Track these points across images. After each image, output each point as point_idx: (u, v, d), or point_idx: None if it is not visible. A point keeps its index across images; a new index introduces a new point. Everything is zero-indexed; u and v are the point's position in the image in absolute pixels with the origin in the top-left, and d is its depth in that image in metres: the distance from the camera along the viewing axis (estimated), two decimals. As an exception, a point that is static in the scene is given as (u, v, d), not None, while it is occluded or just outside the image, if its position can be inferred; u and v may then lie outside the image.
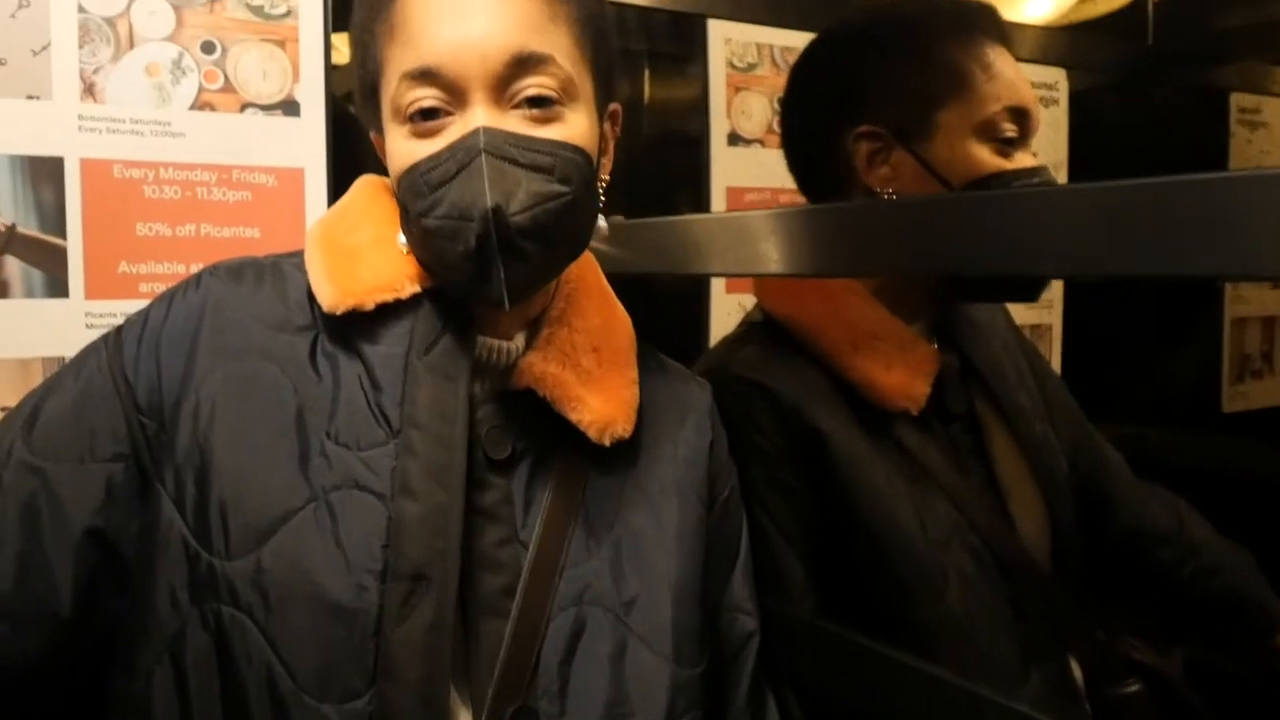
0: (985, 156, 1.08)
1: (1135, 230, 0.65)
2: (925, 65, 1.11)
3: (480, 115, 0.80)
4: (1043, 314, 2.20)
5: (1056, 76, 2.19)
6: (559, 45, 0.82)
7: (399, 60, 0.82)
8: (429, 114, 0.81)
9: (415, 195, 0.82)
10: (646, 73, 2.00)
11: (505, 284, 0.80)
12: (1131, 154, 2.28)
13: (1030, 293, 1.22)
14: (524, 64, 0.80)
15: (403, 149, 0.83)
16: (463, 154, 0.79)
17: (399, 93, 0.82)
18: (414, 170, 0.81)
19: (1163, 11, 2.42)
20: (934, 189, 1.10)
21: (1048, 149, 2.16)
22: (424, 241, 0.84)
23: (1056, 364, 2.22)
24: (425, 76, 0.80)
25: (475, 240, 0.78)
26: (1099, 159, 2.17)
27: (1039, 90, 2.15)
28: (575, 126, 0.83)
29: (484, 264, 0.79)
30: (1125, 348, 2.41)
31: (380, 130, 0.88)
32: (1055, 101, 2.17)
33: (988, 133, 1.08)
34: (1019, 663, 1.07)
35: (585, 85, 0.85)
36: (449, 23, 0.80)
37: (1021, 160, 1.10)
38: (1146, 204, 0.65)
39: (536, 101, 0.81)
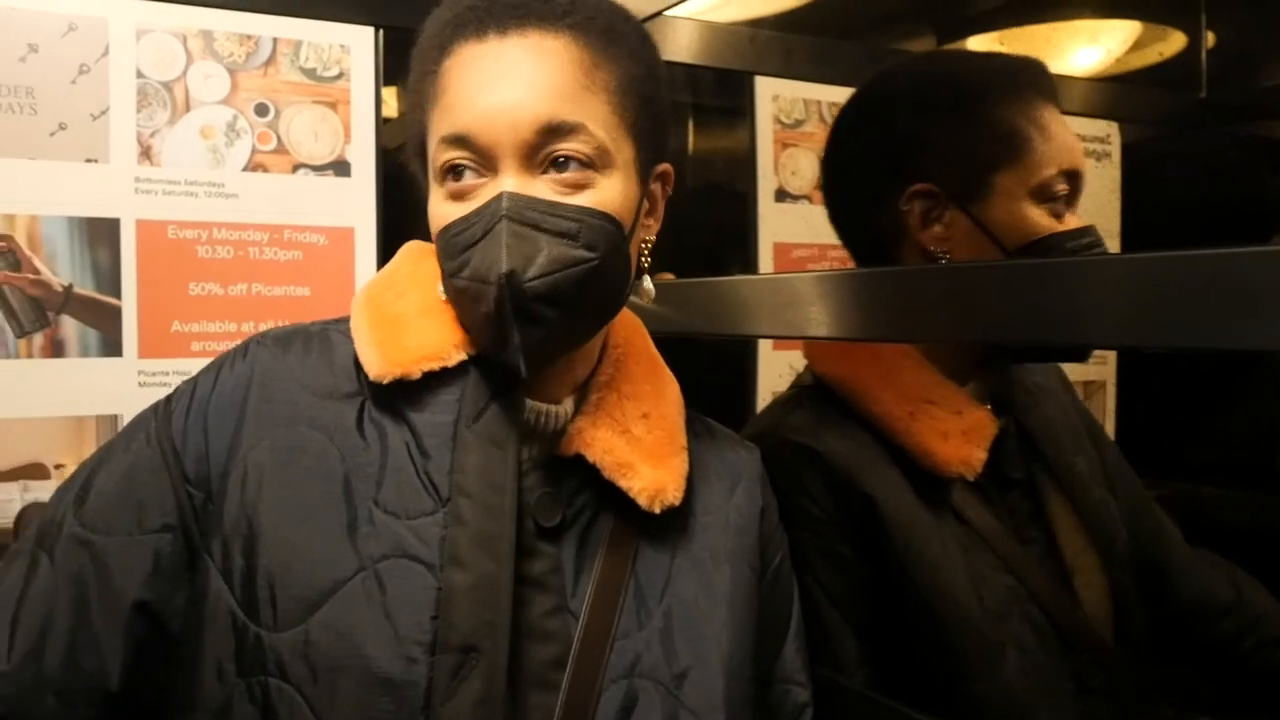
0: (1040, 219, 1.07)
1: (1187, 302, 0.64)
2: (983, 126, 1.09)
3: (508, 181, 0.80)
4: (1097, 370, 2.16)
5: (1109, 129, 2.17)
6: (593, 113, 0.82)
7: (439, 123, 0.83)
8: (460, 175, 0.82)
9: (447, 256, 0.83)
10: (692, 125, 2.01)
11: (520, 350, 0.80)
12: (1185, 207, 2.25)
13: (1080, 354, 1.20)
14: (554, 133, 0.80)
15: (439, 210, 0.84)
16: (487, 218, 0.80)
17: (437, 154, 0.83)
18: (446, 231, 0.83)
19: (1216, 62, 2.40)
20: (988, 249, 1.08)
21: (1100, 202, 2.13)
22: (455, 302, 0.85)
23: (1111, 420, 2.18)
24: (459, 142, 0.81)
25: (493, 304, 0.79)
26: (1152, 212, 2.15)
27: (1090, 144, 2.13)
28: (607, 192, 0.83)
29: (501, 328, 0.79)
30: (1181, 403, 2.36)
31: (425, 188, 0.90)
32: (1107, 155, 2.15)
33: (1043, 195, 1.07)
34: (1081, 739, 1.04)
35: (623, 150, 0.85)
36: (484, 91, 0.81)
37: (1071, 221, 1.09)
38: (1200, 275, 0.63)
39: (565, 168, 0.81)
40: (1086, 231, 1.08)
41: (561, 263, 0.79)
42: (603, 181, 0.83)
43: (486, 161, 0.81)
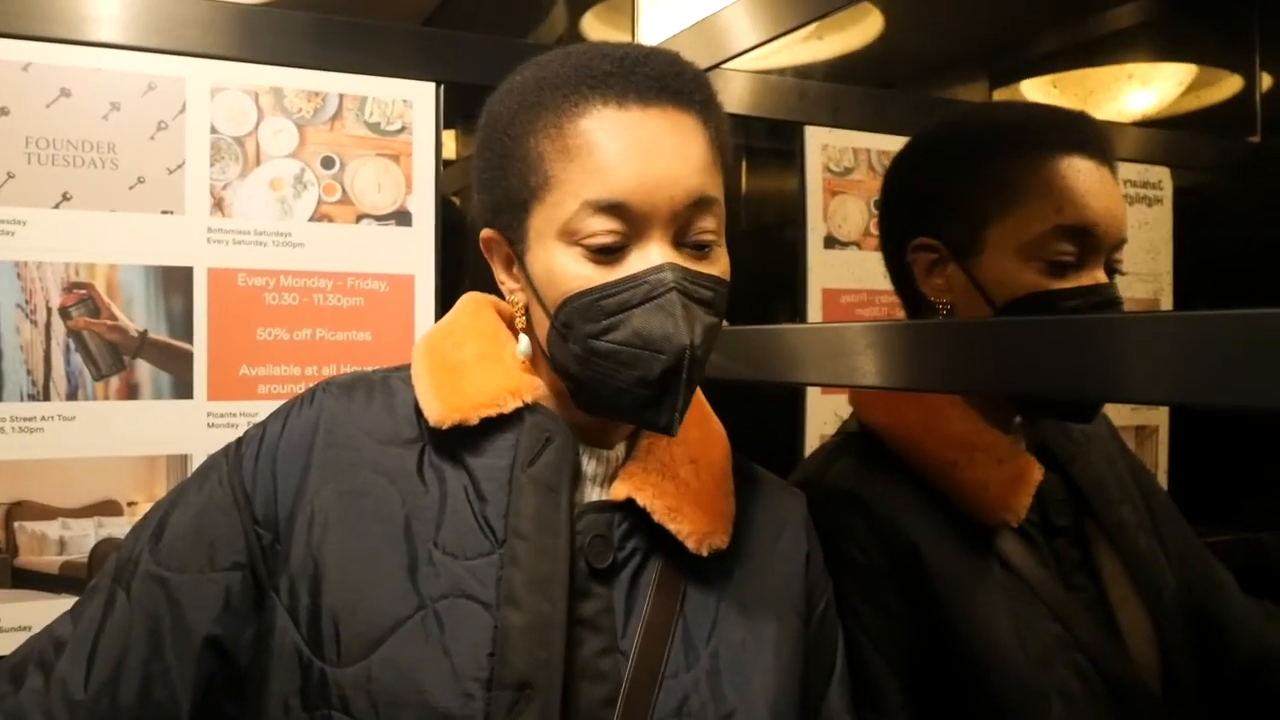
0: (1029, 277, 1.05)
1: (1206, 361, 0.64)
2: (978, 179, 1.10)
3: (658, 251, 0.83)
4: (1149, 415, 2.14)
5: (1160, 175, 2.17)
6: (719, 187, 0.87)
7: (581, 186, 0.83)
8: (608, 243, 0.83)
9: (586, 318, 0.83)
10: (744, 170, 2.04)
11: (678, 411, 0.83)
12: (1239, 254, 2.23)
13: (1085, 415, 1.16)
14: (700, 206, 0.84)
15: (571, 271, 0.84)
16: (647, 287, 0.82)
17: (578, 218, 0.83)
18: (589, 294, 0.83)
19: (1270, 105, 2.39)
20: (980, 305, 1.09)
21: (1152, 249, 2.13)
22: (587, 361, 0.84)
23: (1164, 467, 2.15)
24: (613, 209, 0.82)
25: (661, 371, 0.81)
26: (1206, 259, 2.13)
27: (1142, 189, 2.13)
28: (723, 261, 0.88)
29: (662, 393, 0.82)
30: (1237, 449, 2.33)
31: (513, 236, 0.89)
32: (1159, 200, 2.15)
33: (1036, 252, 1.05)
34: (1127, 789, 1.03)
35: (724, 219, 0.89)
36: (640, 160, 0.83)
37: (1081, 279, 1.05)
38: (1231, 335, 0.64)
39: (702, 240, 0.85)
40: (1095, 290, 1.05)
41: (709, 330, 0.84)
42: (721, 250, 0.88)
43: (634, 229, 0.83)
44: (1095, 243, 1.05)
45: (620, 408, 0.86)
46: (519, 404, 0.89)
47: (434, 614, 0.81)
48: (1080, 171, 1.06)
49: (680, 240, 0.85)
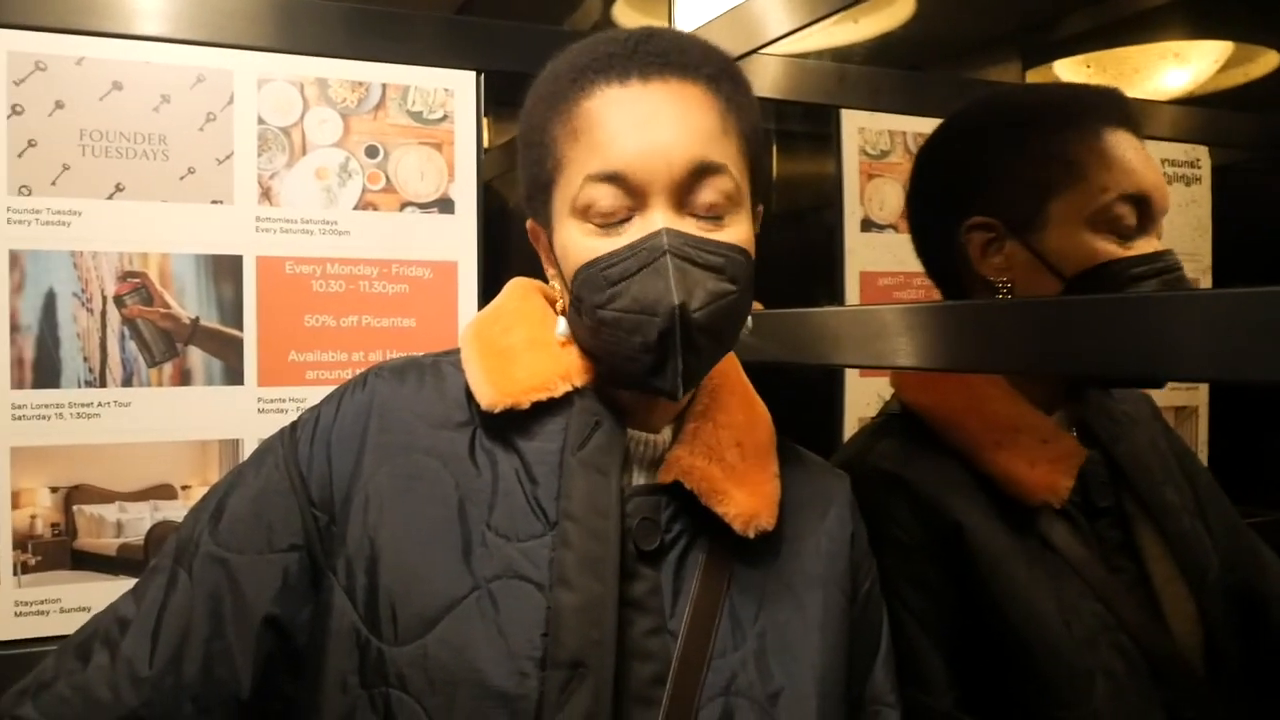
0: (1099, 245, 1.07)
1: (1271, 337, 0.65)
2: (1035, 155, 1.11)
3: (660, 218, 0.85)
4: (1189, 396, 2.14)
5: (1198, 153, 2.15)
6: (730, 156, 0.88)
7: (583, 162, 0.87)
8: (610, 214, 0.86)
9: (592, 288, 0.86)
10: (777, 153, 2.05)
11: (681, 375, 0.84)
12: (1278, 232, 2.21)
13: (1157, 381, 1.18)
14: (702, 173, 0.85)
15: (581, 245, 0.87)
16: (645, 253, 0.84)
17: (581, 192, 0.86)
18: (593, 265, 0.86)
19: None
20: (1046, 280, 1.10)
21: (1191, 228, 2.12)
22: (596, 330, 0.87)
23: (1204, 447, 2.15)
24: (611, 179, 0.85)
25: (657, 334, 0.82)
26: (1244, 237, 2.12)
27: (1180, 168, 2.12)
28: (741, 229, 0.88)
29: (662, 357, 0.83)
30: (1276, 429, 2.32)
31: (543, 221, 0.94)
32: (1197, 179, 2.13)
33: (1102, 221, 1.07)
34: (1171, 769, 1.04)
35: (746, 190, 0.90)
36: (637, 131, 0.85)
37: (1142, 246, 1.08)
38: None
39: (711, 208, 0.86)
40: (1159, 256, 1.07)
41: (715, 295, 0.84)
42: (736, 218, 0.88)
43: (636, 198, 0.85)
44: (1152, 210, 1.08)
45: (630, 376, 0.88)
46: (569, 388, 0.90)
47: (488, 594, 0.83)
48: (1130, 143, 1.09)
49: (686, 208, 0.86)
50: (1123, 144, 1.09)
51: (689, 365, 0.84)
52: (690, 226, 0.86)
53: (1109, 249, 1.07)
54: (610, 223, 0.86)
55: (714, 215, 0.86)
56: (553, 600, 0.82)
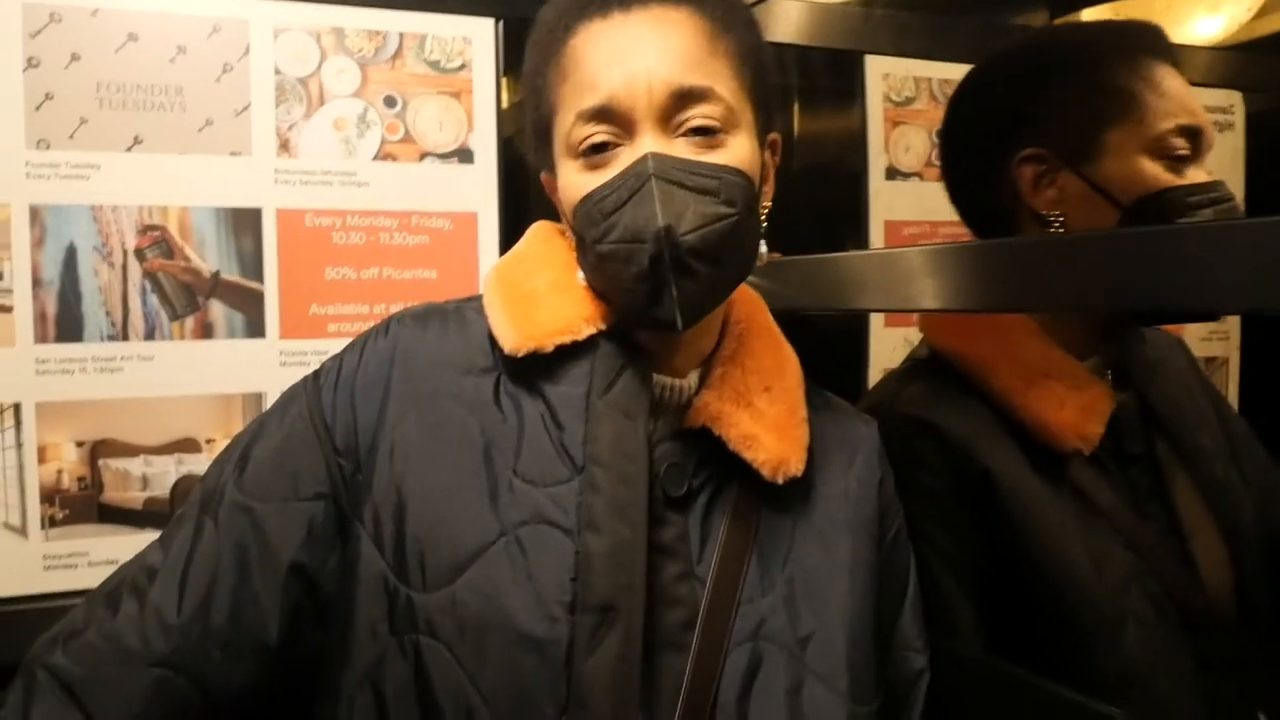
0: (1157, 172, 1.06)
1: None
2: (1090, 86, 1.10)
3: (648, 143, 0.84)
4: (1220, 346, 2.11)
5: (1232, 99, 2.11)
6: (719, 77, 0.86)
7: (572, 100, 0.86)
8: (600, 147, 0.85)
9: (589, 223, 0.85)
10: (800, 106, 2.02)
11: (678, 303, 0.82)
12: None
13: (1210, 313, 1.18)
14: (686, 97, 0.84)
15: (576, 181, 0.87)
16: (633, 180, 0.83)
17: (573, 130, 0.86)
18: (588, 200, 0.85)
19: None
20: (1102, 210, 1.08)
21: (1224, 173, 2.08)
22: (598, 267, 0.87)
23: (1234, 398, 2.12)
24: (597, 115, 0.85)
25: (649, 261, 0.81)
26: (1278, 182, 2.08)
27: (1213, 114, 2.08)
28: (738, 151, 0.86)
29: (657, 284, 0.82)
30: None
31: (550, 168, 0.93)
32: (1231, 125, 2.09)
33: (1158, 150, 1.07)
34: (1203, 716, 1.03)
35: (745, 114, 0.88)
36: (617, 64, 0.84)
37: (1195, 176, 1.07)
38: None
39: (700, 130, 0.85)
40: (1213, 186, 1.07)
41: (708, 218, 0.82)
42: (732, 141, 0.86)
43: (624, 129, 0.85)
44: (1202, 141, 1.08)
45: (633, 311, 0.87)
46: (593, 331, 0.89)
47: (516, 540, 0.83)
48: (1177, 75, 1.09)
49: (677, 132, 0.85)
50: (1172, 76, 1.09)
51: (686, 291, 0.82)
52: (681, 149, 0.84)
53: (1165, 176, 1.06)
54: (601, 156, 0.85)
55: (705, 133, 0.85)
56: (581, 545, 0.82)
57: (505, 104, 1.53)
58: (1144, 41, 1.12)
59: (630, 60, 0.84)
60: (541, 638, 0.79)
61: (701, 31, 0.86)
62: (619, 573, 0.81)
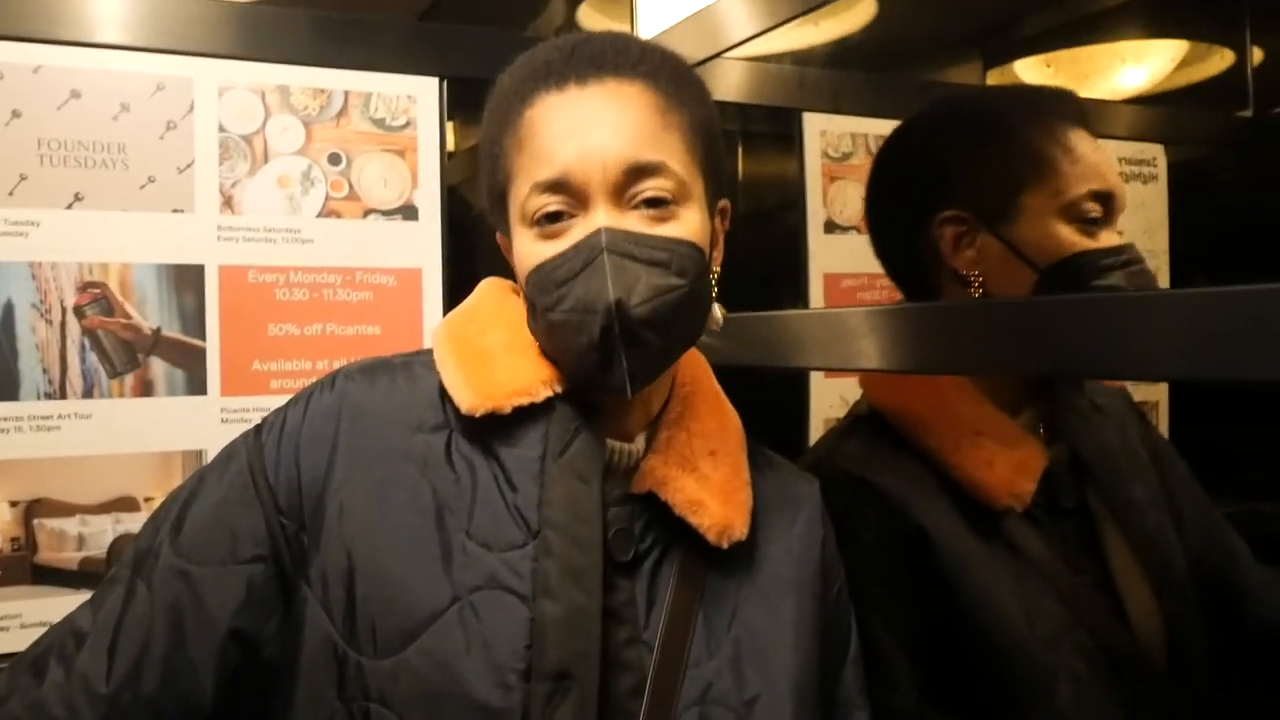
0: (1070, 236, 1.09)
1: (1236, 336, 0.66)
2: (1008, 150, 1.13)
3: (601, 216, 0.85)
4: (1149, 390, 2.16)
5: (1155, 152, 2.18)
6: (671, 151, 0.88)
7: (528, 171, 0.88)
8: (554, 217, 0.87)
9: (542, 291, 0.86)
10: (741, 155, 2.05)
11: (627, 372, 0.83)
12: (1234, 229, 2.25)
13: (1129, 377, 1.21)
14: (639, 172, 0.86)
15: (530, 250, 0.88)
16: (586, 252, 0.84)
17: (528, 200, 0.87)
18: (541, 269, 0.87)
19: (1263, 79, 2.39)
20: (1019, 271, 1.11)
21: (1148, 225, 2.14)
22: (550, 334, 0.88)
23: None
24: (554, 188, 0.86)
25: (599, 331, 0.82)
26: (1201, 234, 2.15)
27: (1136, 167, 2.15)
28: (689, 224, 0.88)
29: (607, 354, 0.83)
30: (1237, 420, 2.34)
31: (507, 232, 0.94)
32: (1154, 177, 2.16)
33: (1072, 214, 1.10)
34: (1135, 769, 1.05)
35: (696, 185, 0.90)
36: (573, 138, 0.86)
37: (1107, 239, 1.10)
38: (1246, 311, 0.66)
39: (652, 203, 0.86)
40: (1123, 250, 1.10)
41: (659, 290, 0.84)
42: (684, 214, 0.88)
43: (578, 200, 0.86)
44: (1114, 204, 1.11)
45: (583, 377, 0.88)
46: (550, 393, 0.89)
47: (470, 605, 0.82)
48: (1091, 140, 1.12)
49: (630, 204, 0.86)
50: (1087, 140, 1.12)
51: (635, 361, 0.84)
52: (634, 222, 0.86)
53: (1079, 240, 1.09)
54: (555, 226, 0.87)
55: (658, 211, 0.86)
56: (536, 611, 0.81)
57: (451, 151, 1.54)
58: (1059, 106, 1.16)
59: (585, 135, 0.86)
60: (495, 707, 0.79)
61: (654, 107, 0.88)
62: (574, 639, 0.81)
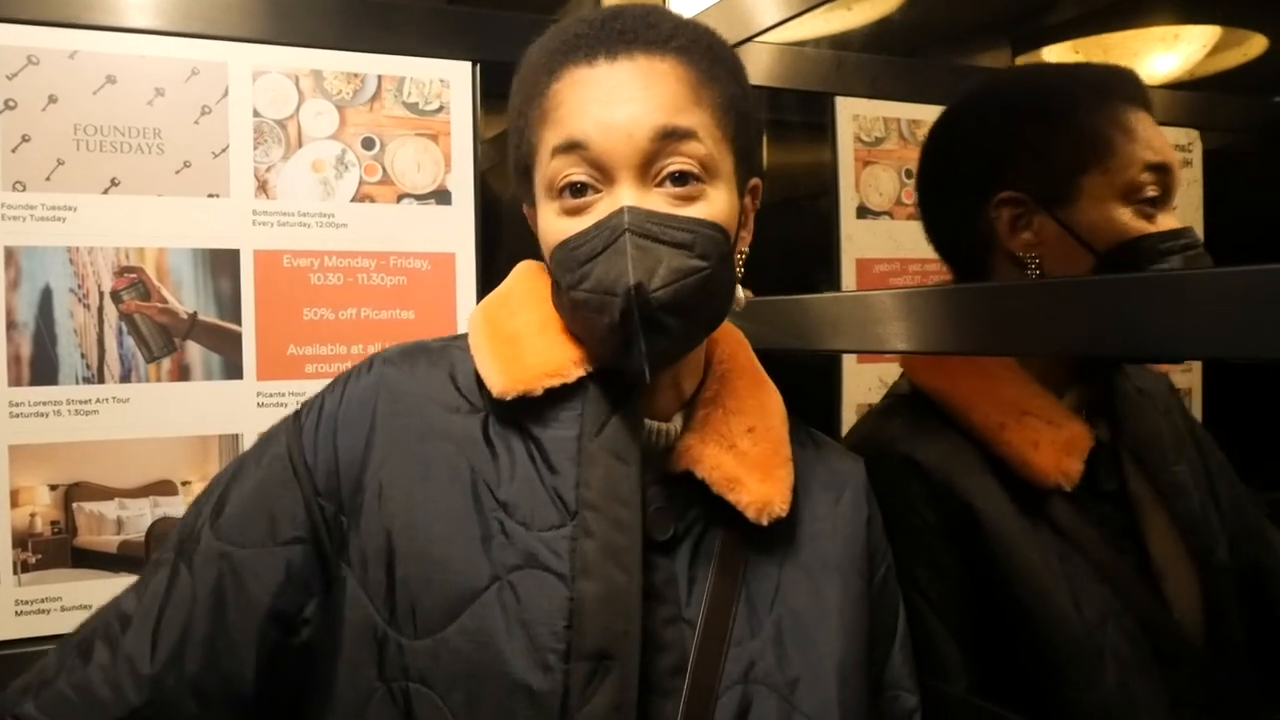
0: (1129, 220, 1.08)
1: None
2: (1068, 131, 1.12)
3: (626, 194, 0.84)
4: (1183, 378, 2.14)
5: (1190, 137, 2.15)
6: (701, 124, 0.86)
7: (551, 138, 0.87)
8: (579, 190, 0.85)
9: (565, 269, 0.86)
10: (773, 142, 2.04)
11: (646, 356, 0.82)
12: (1270, 214, 2.22)
13: (1176, 357, 1.20)
14: (668, 139, 0.84)
15: (554, 225, 0.87)
16: (608, 232, 0.83)
17: (551, 167, 0.86)
18: (564, 246, 0.86)
19: (1298, 63, 2.36)
20: (1077, 253, 1.10)
21: (1183, 211, 2.12)
22: (572, 312, 0.88)
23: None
24: (573, 148, 0.84)
25: (619, 314, 0.81)
26: (1236, 220, 2.12)
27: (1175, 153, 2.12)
28: (715, 204, 0.86)
29: (627, 337, 0.82)
30: (1272, 409, 2.32)
31: (532, 203, 0.93)
32: (1189, 163, 2.14)
33: (1131, 195, 1.08)
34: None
35: (726, 163, 0.88)
36: (598, 104, 0.85)
37: (1165, 222, 1.09)
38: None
39: (679, 179, 0.85)
40: (1182, 233, 1.09)
41: (681, 273, 0.82)
42: (711, 193, 0.86)
43: (602, 175, 0.85)
44: (1171, 182, 1.09)
45: (606, 357, 0.87)
46: (582, 373, 0.88)
47: (509, 585, 0.82)
48: (1147, 118, 1.10)
49: (655, 183, 0.85)
50: (1143, 118, 1.10)
51: (655, 345, 0.83)
52: (659, 202, 0.84)
53: (1138, 224, 1.08)
54: (579, 201, 0.85)
55: (685, 189, 0.85)
56: (575, 591, 0.81)
57: (485, 135, 1.54)
58: (1114, 85, 1.14)
59: (613, 107, 0.84)
60: (536, 687, 0.79)
61: (686, 81, 0.87)
62: (614, 619, 0.80)
